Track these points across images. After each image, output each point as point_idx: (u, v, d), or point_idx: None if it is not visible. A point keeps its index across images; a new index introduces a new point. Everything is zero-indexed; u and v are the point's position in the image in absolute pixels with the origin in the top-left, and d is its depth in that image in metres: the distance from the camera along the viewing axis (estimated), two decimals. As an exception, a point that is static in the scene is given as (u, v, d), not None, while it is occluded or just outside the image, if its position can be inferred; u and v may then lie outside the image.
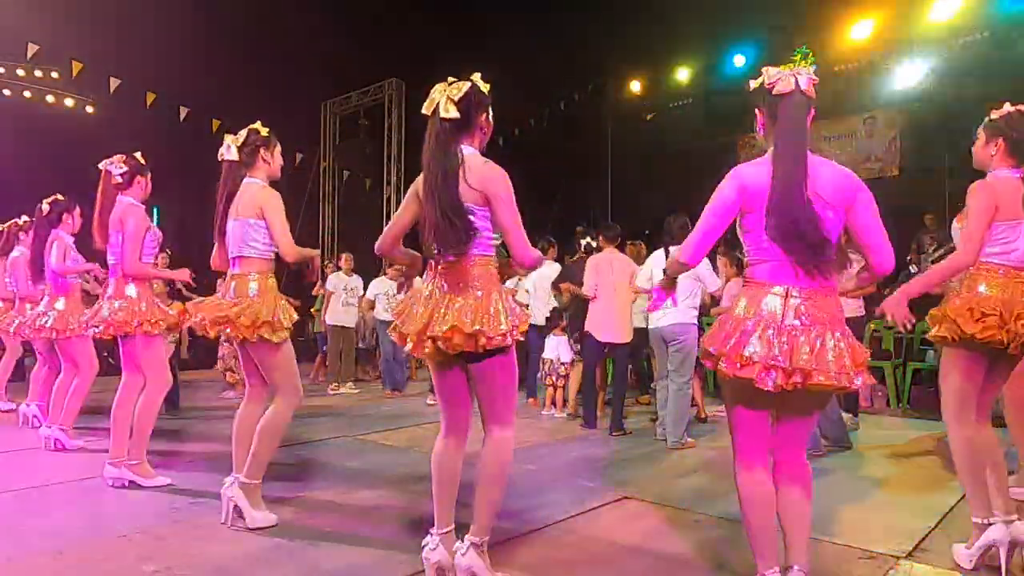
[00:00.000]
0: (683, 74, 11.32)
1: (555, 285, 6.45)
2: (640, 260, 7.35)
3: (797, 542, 2.19)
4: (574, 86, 11.93)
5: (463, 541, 2.39)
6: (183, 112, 10.35)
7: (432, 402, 6.89)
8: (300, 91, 11.72)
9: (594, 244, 6.60)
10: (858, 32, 9.36)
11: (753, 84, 2.21)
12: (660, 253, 5.15)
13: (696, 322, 5.03)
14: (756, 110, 2.24)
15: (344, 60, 11.62)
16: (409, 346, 2.38)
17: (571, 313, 6.14)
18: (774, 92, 2.11)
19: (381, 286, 7.69)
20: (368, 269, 8.42)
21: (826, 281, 2.08)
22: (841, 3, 9.30)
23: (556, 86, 11.52)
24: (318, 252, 3.34)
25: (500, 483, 2.41)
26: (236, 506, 3.01)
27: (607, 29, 10.69)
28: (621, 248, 6.02)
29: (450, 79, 2.40)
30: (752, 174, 2.13)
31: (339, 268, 8.35)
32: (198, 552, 2.77)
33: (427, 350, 2.33)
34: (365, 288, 8.04)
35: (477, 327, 2.24)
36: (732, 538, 2.99)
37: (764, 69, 2.18)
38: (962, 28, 8.90)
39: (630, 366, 6.47)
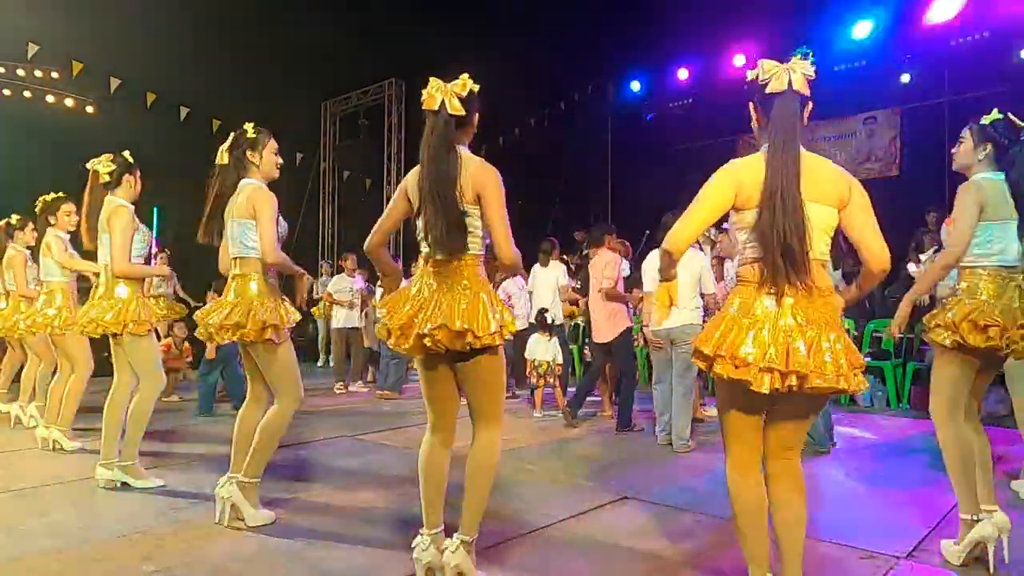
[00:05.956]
0: (683, 74, 11.33)
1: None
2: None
3: (791, 554, 2.09)
4: (574, 86, 11.93)
5: (452, 538, 2.39)
6: (183, 112, 10.36)
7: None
8: (300, 91, 11.71)
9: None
10: (858, 32, 9.36)
11: (749, 75, 2.14)
12: (657, 252, 5.12)
13: (702, 324, 5.03)
14: (751, 104, 2.17)
15: (344, 60, 11.61)
16: (392, 340, 2.37)
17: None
18: (767, 91, 2.05)
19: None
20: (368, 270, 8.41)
21: (819, 281, 2.00)
22: (841, 3, 9.30)
23: (556, 86, 11.51)
24: (304, 274, 3.30)
25: (487, 482, 2.42)
26: (233, 504, 3.01)
27: (607, 29, 10.68)
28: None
29: (430, 79, 2.41)
30: (747, 170, 2.07)
31: (341, 270, 8.32)
32: (198, 552, 2.77)
33: (408, 345, 2.32)
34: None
35: (465, 326, 2.24)
36: (732, 539, 2.99)
37: (760, 62, 2.09)
38: (962, 28, 8.89)
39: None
